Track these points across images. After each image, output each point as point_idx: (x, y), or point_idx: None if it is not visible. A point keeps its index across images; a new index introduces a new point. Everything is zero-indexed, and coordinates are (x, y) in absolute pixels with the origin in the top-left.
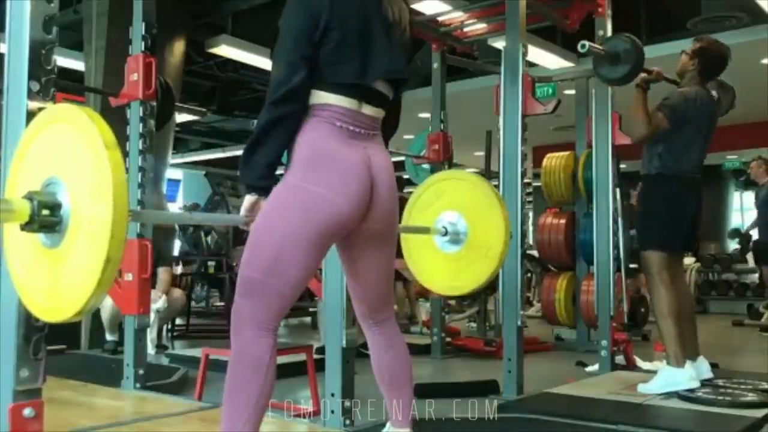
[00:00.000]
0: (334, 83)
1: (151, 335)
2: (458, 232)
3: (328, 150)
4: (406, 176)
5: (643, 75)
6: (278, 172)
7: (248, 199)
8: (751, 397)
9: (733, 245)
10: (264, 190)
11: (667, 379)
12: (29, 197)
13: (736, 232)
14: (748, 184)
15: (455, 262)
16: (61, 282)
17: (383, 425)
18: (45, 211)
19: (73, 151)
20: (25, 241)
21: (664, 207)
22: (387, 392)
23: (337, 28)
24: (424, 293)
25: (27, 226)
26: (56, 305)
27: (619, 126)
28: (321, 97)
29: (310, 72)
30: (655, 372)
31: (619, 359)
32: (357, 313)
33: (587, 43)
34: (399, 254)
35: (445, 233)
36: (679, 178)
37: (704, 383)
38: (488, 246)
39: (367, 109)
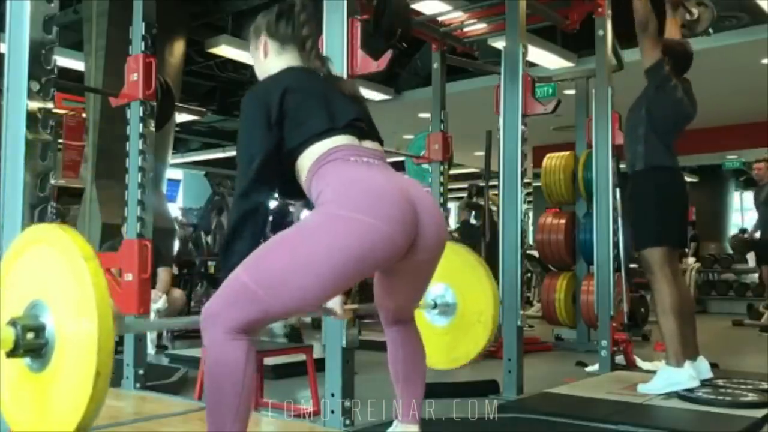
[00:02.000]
0: (320, 134)
1: (151, 335)
2: (447, 303)
3: (359, 179)
4: None
5: None
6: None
7: None
8: (751, 397)
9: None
10: None
11: (667, 379)
12: (12, 323)
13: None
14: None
15: (450, 333)
16: (51, 404)
17: (383, 425)
18: (29, 335)
19: (53, 270)
20: (10, 368)
21: (654, 201)
22: (399, 388)
23: (294, 92)
24: None
25: (12, 353)
26: (48, 430)
27: (619, 126)
28: (321, 146)
29: (276, 151)
30: (655, 372)
31: (619, 359)
32: (381, 316)
33: None
34: None
35: (435, 306)
36: (663, 170)
37: (704, 383)
38: (479, 311)
39: (368, 143)
